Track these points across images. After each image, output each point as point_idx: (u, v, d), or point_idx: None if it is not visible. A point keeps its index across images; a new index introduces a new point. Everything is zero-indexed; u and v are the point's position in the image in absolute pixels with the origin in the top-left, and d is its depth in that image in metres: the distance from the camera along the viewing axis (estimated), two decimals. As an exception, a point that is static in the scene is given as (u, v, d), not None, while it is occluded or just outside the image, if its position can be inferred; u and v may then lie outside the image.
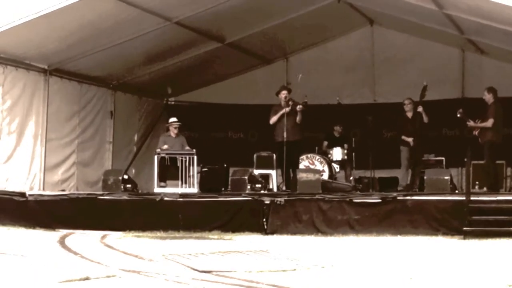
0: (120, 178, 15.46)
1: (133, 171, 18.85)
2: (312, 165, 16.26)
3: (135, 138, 19.39)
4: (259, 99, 18.61)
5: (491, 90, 15.03)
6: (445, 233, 12.56)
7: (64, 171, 16.71)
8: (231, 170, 16.05)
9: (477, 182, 15.48)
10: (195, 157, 15.52)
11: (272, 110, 16.13)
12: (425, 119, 15.53)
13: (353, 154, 17.17)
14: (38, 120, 15.88)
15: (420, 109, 15.47)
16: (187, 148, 16.22)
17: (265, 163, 16.31)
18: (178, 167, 15.51)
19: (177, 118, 16.91)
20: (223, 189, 15.61)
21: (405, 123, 15.91)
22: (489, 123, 14.77)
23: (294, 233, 13.13)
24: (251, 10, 16.16)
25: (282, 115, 15.76)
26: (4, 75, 14.97)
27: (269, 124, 16.15)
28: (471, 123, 15.05)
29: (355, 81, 19.39)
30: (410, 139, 15.71)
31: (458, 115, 15.09)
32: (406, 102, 15.99)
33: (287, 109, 15.65)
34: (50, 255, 10.06)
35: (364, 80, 19.44)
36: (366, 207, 13.18)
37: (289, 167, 15.58)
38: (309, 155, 16.51)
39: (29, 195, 14.31)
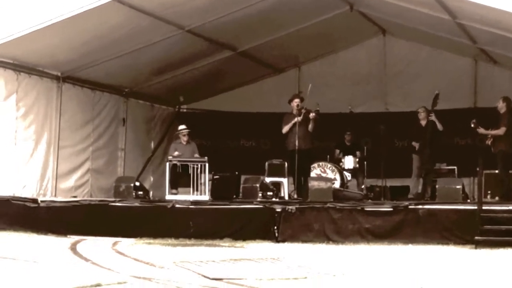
0: (132, 185, 15.49)
1: (151, 179, 18.91)
2: (323, 173, 16.28)
3: (152, 145, 19.44)
4: (271, 108, 18.62)
5: (506, 99, 14.91)
6: (456, 243, 12.52)
7: (78, 178, 16.76)
8: (243, 177, 16.10)
9: (489, 192, 15.39)
10: (207, 165, 15.55)
11: (284, 118, 16.09)
12: (439, 126, 15.49)
13: (365, 162, 17.19)
14: (52, 127, 15.96)
15: (432, 117, 15.45)
16: (196, 155, 16.25)
17: (276, 171, 16.31)
18: (190, 174, 15.54)
19: (189, 125, 16.94)
20: (234, 196, 15.62)
21: (418, 131, 15.87)
22: (501, 131, 14.68)
23: (305, 241, 13.10)
24: (263, 19, 16.18)
25: (294, 124, 15.71)
26: (18, 82, 15.05)
27: (281, 132, 16.09)
28: (481, 130, 15.00)
29: (367, 90, 19.38)
30: (416, 144, 15.68)
31: (472, 125, 15.03)
32: (420, 110, 15.98)
33: (299, 118, 15.58)
34: (61, 261, 10.08)
35: (376, 89, 19.42)
36: (378, 216, 13.14)
37: (300, 175, 15.52)
38: (320, 163, 16.53)
39: (41, 201, 14.35)
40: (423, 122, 15.86)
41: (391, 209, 13.18)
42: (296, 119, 15.61)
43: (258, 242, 13.05)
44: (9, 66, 14.80)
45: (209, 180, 15.76)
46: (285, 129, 15.89)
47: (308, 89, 15.82)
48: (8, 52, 14.39)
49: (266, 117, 18.87)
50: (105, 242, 12.84)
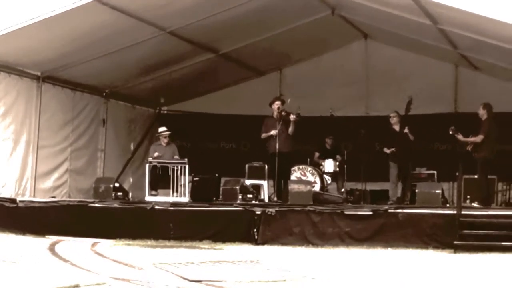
0: (111, 186, 15.43)
1: (131, 180, 18.84)
2: (304, 176, 16.29)
3: (132, 147, 19.37)
4: (252, 110, 18.60)
5: (486, 106, 14.90)
6: (435, 247, 12.56)
7: (57, 179, 16.65)
8: (223, 180, 16.04)
9: (468, 196, 15.46)
10: (187, 166, 15.52)
11: (264, 122, 16.07)
12: (411, 137, 15.48)
13: (345, 166, 17.19)
14: (31, 127, 15.86)
15: (406, 130, 15.42)
16: (176, 157, 16.24)
17: (257, 174, 16.31)
18: (170, 176, 15.50)
19: (170, 127, 16.94)
20: (214, 198, 15.59)
21: (392, 137, 15.85)
22: (478, 138, 14.69)
23: (284, 244, 13.11)
24: (245, 21, 16.17)
25: (275, 127, 15.66)
26: (-3, 81, 14.99)
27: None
28: (460, 137, 15.03)
29: (348, 94, 19.37)
30: (389, 150, 15.67)
31: (450, 132, 15.05)
32: (392, 115, 15.89)
33: (275, 132, 15.53)
34: (40, 262, 10.03)
35: (357, 93, 19.43)
36: (357, 219, 13.18)
37: (280, 178, 15.53)
38: (301, 166, 16.54)
39: (20, 201, 14.29)
40: (396, 127, 15.82)
41: (371, 212, 13.22)
42: (273, 132, 15.57)
43: (238, 245, 13.04)
44: (-12, 65, 14.74)
45: (189, 182, 15.73)
46: (263, 136, 15.91)
47: (287, 102, 15.82)
48: (-13, 51, 14.32)
49: (247, 119, 18.86)
50: (84, 243, 12.80)
